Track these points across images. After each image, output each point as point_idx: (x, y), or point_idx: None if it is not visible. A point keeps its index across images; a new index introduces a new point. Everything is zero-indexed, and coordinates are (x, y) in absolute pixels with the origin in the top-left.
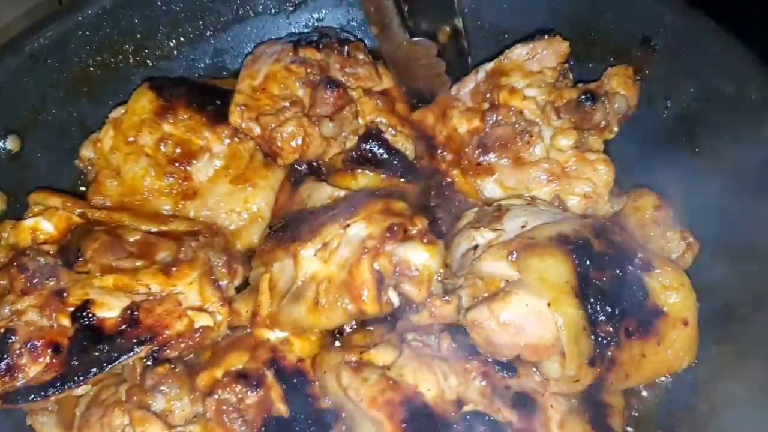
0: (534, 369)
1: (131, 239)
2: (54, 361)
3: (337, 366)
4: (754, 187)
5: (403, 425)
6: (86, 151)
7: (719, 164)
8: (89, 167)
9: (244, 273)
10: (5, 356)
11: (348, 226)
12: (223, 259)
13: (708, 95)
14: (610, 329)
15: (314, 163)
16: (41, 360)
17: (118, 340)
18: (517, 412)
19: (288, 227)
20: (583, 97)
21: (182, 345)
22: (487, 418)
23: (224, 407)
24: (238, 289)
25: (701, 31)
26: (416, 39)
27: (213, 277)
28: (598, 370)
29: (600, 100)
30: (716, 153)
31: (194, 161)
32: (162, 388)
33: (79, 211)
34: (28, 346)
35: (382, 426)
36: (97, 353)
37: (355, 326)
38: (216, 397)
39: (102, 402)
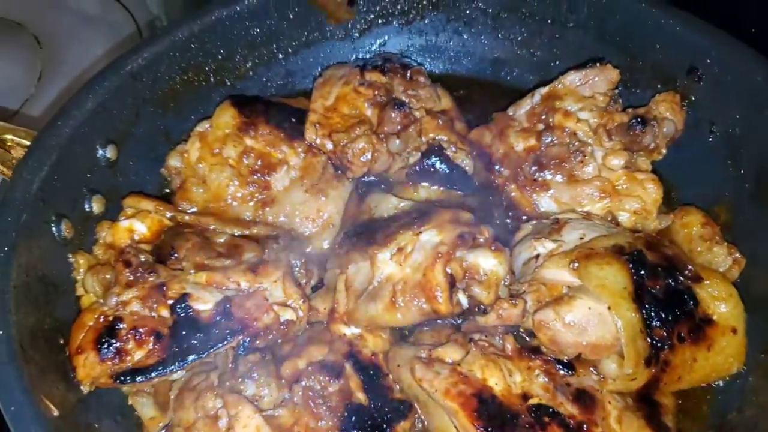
0: (592, 369)
1: (219, 241)
2: (156, 347)
3: (410, 360)
4: None
5: (476, 413)
6: (173, 161)
7: (763, 184)
8: (174, 175)
9: (319, 274)
10: (114, 341)
11: (420, 233)
12: (302, 260)
13: (752, 120)
14: (664, 334)
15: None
16: (145, 346)
17: (214, 330)
18: (578, 406)
19: (362, 234)
20: (634, 120)
21: (269, 336)
22: (551, 410)
23: (310, 393)
24: (314, 289)
25: (745, 60)
26: None
27: (294, 276)
28: (653, 370)
29: (650, 124)
30: (760, 174)
31: (273, 172)
32: (253, 374)
33: (170, 214)
34: (134, 333)
35: (456, 414)
36: (195, 341)
37: (422, 327)
38: (303, 384)
39: (194, 387)
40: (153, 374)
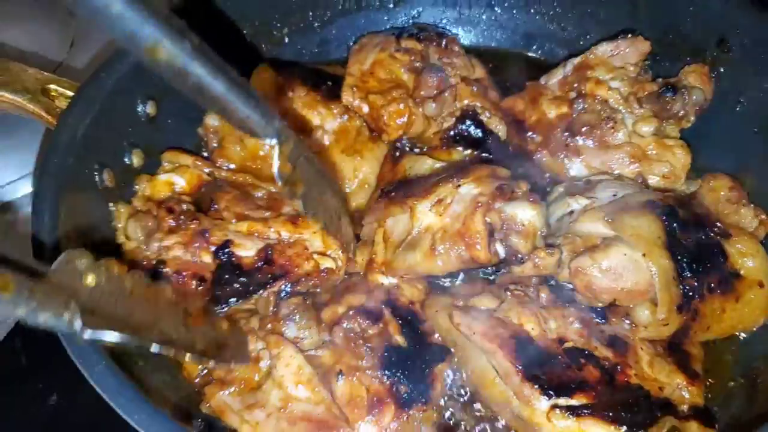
0: (623, 318)
1: (258, 195)
2: (200, 290)
3: (447, 306)
4: None
5: (515, 353)
6: (211, 120)
7: None
8: (211, 134)
9: (355, 231)
10: None
11: (460, 185)
12: None
13: None
14: (695, 283)
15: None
16: (188, 289)
17: (256, 275)
18: (612, 350)
19: (400, 189)
20: (665, 88)
21: (310, 283)
22: (586, 352)
23: (351, 335)
24: None
25: None
26: None
27: None
28: (684, 317)
29: (680, 92)
30: None
31: (310, 133)
32: (294, 317)
33: (208, 170)
34: (177, 276)
35: (494, 355)
36: (237, 285)
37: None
38: (344, 326)
39: None
40: None
